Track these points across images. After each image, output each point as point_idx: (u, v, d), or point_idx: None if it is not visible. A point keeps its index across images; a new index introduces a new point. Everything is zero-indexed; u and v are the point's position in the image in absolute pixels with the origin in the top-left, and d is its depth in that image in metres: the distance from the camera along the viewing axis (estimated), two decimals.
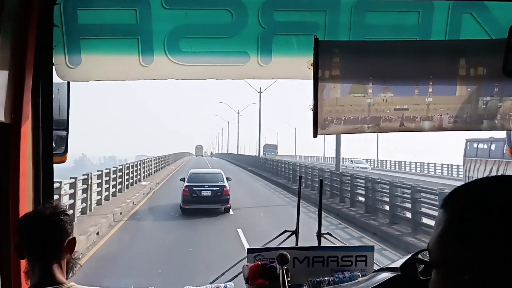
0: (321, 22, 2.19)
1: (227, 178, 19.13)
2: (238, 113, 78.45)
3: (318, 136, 2.25)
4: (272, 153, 79.92)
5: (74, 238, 1.71)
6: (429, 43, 2.22)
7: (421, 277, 0.87)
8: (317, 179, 22.41)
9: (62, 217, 1.68)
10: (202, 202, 17.32)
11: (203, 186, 17.75)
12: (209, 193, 17.59)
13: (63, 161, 2.34)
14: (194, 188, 17.60)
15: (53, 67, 2.09)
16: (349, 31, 2.21)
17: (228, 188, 17.72)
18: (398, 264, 1.83)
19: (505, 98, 2.24)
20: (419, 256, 0.85)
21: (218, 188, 17.64)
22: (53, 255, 1.65)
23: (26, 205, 2.00)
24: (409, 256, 1.85)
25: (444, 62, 2.20)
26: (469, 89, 2.23)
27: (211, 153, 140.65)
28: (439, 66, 2.21)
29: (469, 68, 2.19)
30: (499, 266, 0.72)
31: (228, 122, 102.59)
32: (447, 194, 0.82)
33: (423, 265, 0.86)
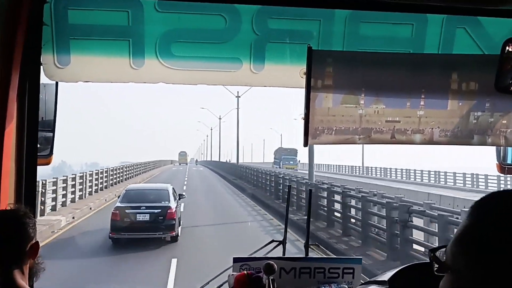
0: (315, 31, 2.18)
1: (180, 196, 15.59)
2: (219, 118, 73.86)
3: (308, 145, 2.23)
4: (291, 162, 59.27)
5: (37, 242, 1.65)
6: (422, 56, 2.22)
7: (436, 273, 0.85)
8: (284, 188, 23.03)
9: (24, 221, 1.62)
10: (137, 230, 13.24)
11: (139, 207, 13.60)
12: (147, 217, 13.43)
13: (48, 163, 2.29)
14: (127, 211, 13.41)
15: (41, 66, 2.05)
16: (343, 41, 2.20)
17: (173, 210, 13.66)
18: (386, 277, 1.80)
19: (496, 113, 2.24)
20: (436, 253, 0.85)
21: (159, 211, 13.53)
22: (14, 260, 1.59)
23: (6, 206, 1.95)
24: (397, 269, 1.83)
25: (436, 75, 2.20)
26: (460, 104, 2.23)
27: (196, 160, 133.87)
28: (432, 80, 2.21)
29: (461, 83, 2.19)
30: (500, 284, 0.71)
31: (211, 129, 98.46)
32: (479, 199, 0.82)
33: (437, 265, 0.85)
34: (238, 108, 55.10)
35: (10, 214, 1.64)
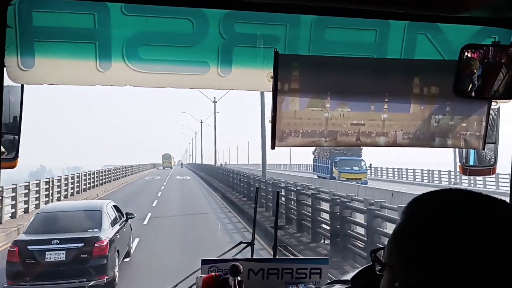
0: (281, 36, 2.21)
1: (127, 215, 11.67)
2: (201, 122, 76.27)
3: (276, 148, 2.26)
4: (356, 169, 38.45)
5: None
6: (385, 61, 2.28)
7: (378, 273, 0.90)
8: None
9: None
10: (47, 277, 9.03)
11: (50, 241, 9.26)
12: (61, 256, 9.04)
13: (13, 166, 2.25)
14: (30, 247, 9.19)
15: (5, 68, 2.02)
16: (309, 46, 2.24)
17: (105, 243, 9.38)
18: (349, 276, 1.85)
19: (456, 117, 2.32)
20: (377, 254, 0.90)
21: (82, 244, 9.27)
22: None
23: None
24: (359, 269, 1.88)
25: (399, 80, 2.27)
26: (422, 107, 2.30)
27: (181, 163, 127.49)
28: (395, 84, 2.27)
29: (422, 87, 2.26)
30: (428, 283, 0.75)
31: (195, 132, 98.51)
32: (412, 199, 0.87)
33: (379, 265, 0.90)
34: (215, 113, 56.98)
35: None
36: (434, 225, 0.77)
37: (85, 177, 32.42)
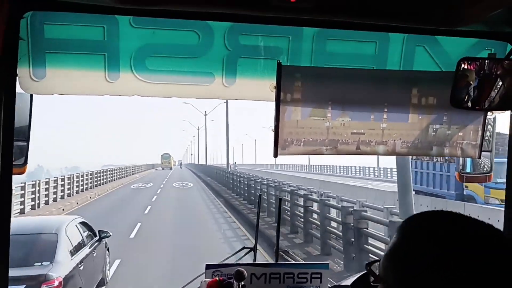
0: (284, 48, 2.28)
1: (100, 234, 9.22)
2: (205, 114, 64.37)
3: (278, 156, 2.33)
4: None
5: None
6: (384, 72, 2.36)
7: (372, 284, 0.96)
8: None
9: None
10: None
11: None
12: None
13: (22, 172, 2.32)
14: None
15: (17, 79, 2.09)
16: (311, 57, 2.31)
17: (56, 283, 6.57)
18: (349, 281, 1.92)
19: (453, 126, 2.39)
20: (371, 267, 0.96)
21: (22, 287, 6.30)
22: None
23: None
24: (360, 274, 1.95)
25: (398, 90, 2.34)
26: (420, 117, 2.37)
27: (181, 163, 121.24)
28: (394, 94, 2.34)
29: (420, 98, 2.33)
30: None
31: (198, 128, 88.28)
32: (406, 218, 0.93)
33: (373, 277, 0.96)
34: (206, 126, 56.54)
35: None
36: (425, 244, 0.84)
37: (47, 186, 26.76)
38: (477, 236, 0.84)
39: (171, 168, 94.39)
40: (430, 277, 0.82)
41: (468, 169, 2.81)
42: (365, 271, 2.04)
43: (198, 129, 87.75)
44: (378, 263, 0.94)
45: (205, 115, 63.95)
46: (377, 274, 0.93)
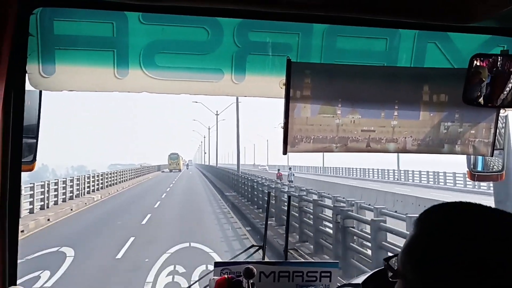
0: (294, 44, 2.26)
1: None
2: (216, 114, 60.14)
3: (287, 153, 2.32)
4: None
5: None
6: (395, 69, 2.33)
7: (390, 279, 0.94)
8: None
9: None
10: None
11: None
12: None
13: (31, 169, 2.32)
14: None
15: (26, 75, 2.09)
16: (321, 54, 2.29)
17: None
18: (360, 280, 1.90)
19: (465, 124, 2.36)
20: (390, 262, 0.95)
21: None
22: None
23: None
24: (371, 272, 1.93)
25: (409, 88, 2.31)
26: (431, 115, 2.34)
27: (187, 164, 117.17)
28: (404, 92, 2.31)
29: (432, 95, 2.30)
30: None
31: (208, 128, 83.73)
32: (423, 211, 0.91)
33: (391, 272, 0.94)
34: (217, 127, 55.31)
35: None
36: (445, 238, 0.82)
37: (56, 186, 25.97)
38: (500, 227, 0.82)
39: (179, 170, 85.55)
40: (449, 272, 0.80)
41: (479, 168, 2.77)
42: (375, 270, 2.02)
43: (209, 129, 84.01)
44: (396, 257, 0.92)
45: (217, 114, 60.11)
46: (395, 269, 0.91)
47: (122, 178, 48.49)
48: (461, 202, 0.88)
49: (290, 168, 43.67)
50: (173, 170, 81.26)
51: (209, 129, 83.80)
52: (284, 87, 2.24)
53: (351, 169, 71.95)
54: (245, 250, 2.60)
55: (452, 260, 0.80)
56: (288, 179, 34.86)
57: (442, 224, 0.85)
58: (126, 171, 54.19)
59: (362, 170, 66.84)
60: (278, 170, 41.10)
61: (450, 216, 0.86)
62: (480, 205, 0.86)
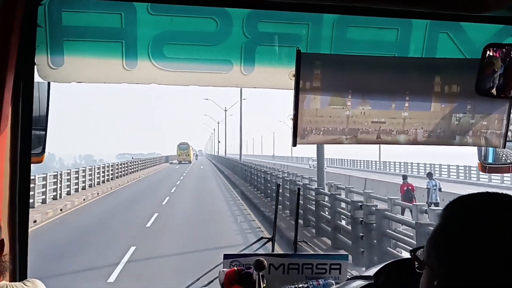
0: (303, 35, 2.24)
1: None
2: (225, 110, 63.65)
3: (297, 145, 2.30)
4: None
5: (2, 240, 1.70)
6: (406, 60, 2.30)
7: (417, 270, 0.93)
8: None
9: None
10: None
11: None
12: None
13: (40, 161, 2.32)
14: None
15: (35, 67, 2.08)
16: (331, 45, 2.27)
17: None
18: (371, 272, 1.88)
19: (477, 115, 2.33)
20: (416, 253, 0.93)
21: None
22: None
23: (1, 205, 1.98)
24: (382, 264, 1.91)
25: (420, 78, 2.28)
26: (443, 106, 2.31)
27: (196, 155, 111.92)
28: (416, 83, 2.29)
29: (443, 86, 2.27)
30: (467, 282, 0.78)
31: (218, 122, 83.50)
32: (450, 201, 0.89)
33: (417, 263, 0.92)
34: (226, 122, 55.36)
35: None
36: (473, 228, 0.80)
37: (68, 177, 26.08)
38: None
39: (190, 162, 77.30)
40: (479, 265, 0.78)
41: (490, 160, 2.74)
42: (387, 262, 2.01)
43: (218, 123, 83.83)
44: (423, 249, 0.91)
45: (225, 110, 64.00)
46: (422, 260, 0.90)
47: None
48: (488, 193, 0.86)
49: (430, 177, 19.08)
50: (182, 162, 74.87)
51: (218, 123, 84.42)
52: (293, 78, 2.21)
53: (355, 161, 71.85)
54: (255, 242, 2.60)
55: (482, 253, 0.78)
56: (430, 199, 17.54)
57: (470, 215, 0.83)
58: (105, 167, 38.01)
59: (364, 162, 66.82)
60: (405, 179, 18.77)
61: (478, 207, 0.84)
62: (508, 195, 0.84)
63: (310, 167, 49.87)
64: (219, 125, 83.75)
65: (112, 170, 38.78)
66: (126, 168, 46.12)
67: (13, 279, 1.98)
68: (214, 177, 47.46)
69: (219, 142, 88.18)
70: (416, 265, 0.92)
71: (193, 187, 34.10)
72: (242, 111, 53.02)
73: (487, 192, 0.87)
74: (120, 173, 42.27)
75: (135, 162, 53.80)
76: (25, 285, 1.72)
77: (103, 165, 36.76)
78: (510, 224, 0.80)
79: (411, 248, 1.11)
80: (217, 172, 56.84)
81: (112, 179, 37.65)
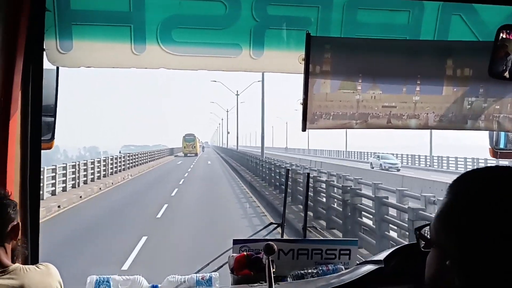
0: (313, 18, 2.21)
1: None
2: (237, 94, 52.64)
3: (306, 130, 2.28)
4: None
5: (18, 224, 1.72)
6: (418, 43, 2.27)
7: (422, 249, 0.90)
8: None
9: (4, 202, 1.69)
10: None
11: None
12: None
13: (50, 147, 2.33)
14: None
15: (44, 51, 2.08)
16: (341, 28, 2.24)
17: None
18: (381, 256, 1.87)
19: (490, 99, 2.30)
20: (422, 231, 0.91)
21: None
22: None
23: (13, 190, 1.99)
24: (393, 249, 1.90)
25: (432, 62, 2.25)
26: (455, 89, 2.28)
27: (203, 147, 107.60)
28: (427, 66, 2.25)
29: (456, 69, 2.24)
30: (480, 260, 0.76)
31: (227, 111, 76.52)
32: (457, 177, 0.86)
33: (424, 242, 0.90)
34: (237, 107, 50.75)
35: None
36: (484, 204, 0.78)
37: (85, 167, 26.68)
38: None
39: (196, 154, 70.99)
40: (490, 241, 0.76)
41: (502, 145, 2.71)
42: (397, 247, 2.00)
43: (227, 111, 76.20)
44: (428, 227, 0.89)
45: (237, 95, 52.89)
46: (429, 238, 0.87)
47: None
48: (497, 166, 0.84)
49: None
50: (188, 154, 69.61)
51: (227, 111, 76.50)
52: (303, 62, 2.19)
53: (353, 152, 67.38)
54: (264, 228, 2.60)
55: (493, 229, 0.76)
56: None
57: (479, 189, 0.81)
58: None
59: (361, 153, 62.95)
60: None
61: (487, 181, 0.81)
62: None
63: (375, 167, 36.45)
64: (228, 113, 77.18)
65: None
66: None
67: (24, 263, 1.99)
68: (232, 187, 26.49)
69: (228, 132, 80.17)
70: (423, 244, 0.90)
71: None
72: (253, 97, 47.59)
73: (494, 166, 0.85)
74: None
75: (124, 158, 38.03)
76: (38, 268, 1.74)
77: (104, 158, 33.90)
78: None
79: None
80: (235, 177, 33.08)
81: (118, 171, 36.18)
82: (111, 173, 33.59)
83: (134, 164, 41.19)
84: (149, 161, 49.73)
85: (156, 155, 57.45)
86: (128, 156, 38.91)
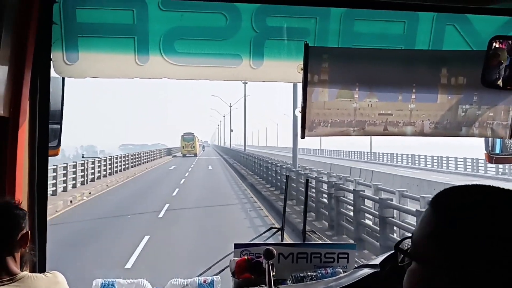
0: (311, 29, 2.28)
1: None
2: (230, 106, 68.55)
3: (305, 137, 2.35)
4: None
5: (27, 232, 1.76)
6: (413, 52, 2.33)
7: (400, 264, 0.92)
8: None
9: (15, 212, 1.74)
10: None
11: None
12: None
13: (56, 154, 2.40)
14: None
15: (51, 63, 2.15)
16: (338, 38, 2.30)
17: None
18: (378, 261, 1.93)
19: (483, 106, 2.36)
20: (400, 246, 0.92)
21: None
22: (6, 248, 1.70)
23: (21, 197, 2.06)
24: (388, 253, 1.96)
25: (427, 71, 2.31)
26: (449, 97, 2.34)
27: (203, 146, 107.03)
28: (422, 75, 2.32)
29: (450, 77, 2.30)
30: (473, 275, 0.79)
31: (224, 115, 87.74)
32: (438, 193, 0.88)
33: (402, 255, 0.91)
34: (230, 116, 55.06)
35: (2, 206, 1.74)
36: (471, 230, 0.78)
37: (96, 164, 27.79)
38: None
39: (195, 155, 67.59)
40: (480, 268, 0.78)
41: (497, 150, 2.77)
42: (392, 252, 2.05)
43: (224, 116, 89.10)
44: (408, 240, 0.90)
45: (230, 106, 69.18)
46: (410, 253, 0.89)
47: None
48: (477, 185, 0.86)
49: None
50: (187, 155, 65.60)
51: (224, 116, 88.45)
52: (301, 71, 2.26)
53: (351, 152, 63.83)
54: (264, 232, 2.66)
55: (480, 240, 0.77)
56: None
57: (462, 203, 0.83)
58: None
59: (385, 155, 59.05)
60: None
61: (473, 200, 0.82)
62: (503, 189, 0.84)
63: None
64: (224, 118, 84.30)
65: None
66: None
67: (32, 270, 2.05)
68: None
69: (231, 130, 75.41)
70: (400, 259, 0.91)
71: None
72: (247, 104, 51.92)
73: (477, 185, 0.87)
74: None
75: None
76: (46, 276, 1.79)
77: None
78: (501, 217, 0.79)
79: None
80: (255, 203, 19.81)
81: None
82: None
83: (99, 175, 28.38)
84: (132, 167, 37.18)
85: (143, 158, 44.98)
86: (92, 163, 27.40)
